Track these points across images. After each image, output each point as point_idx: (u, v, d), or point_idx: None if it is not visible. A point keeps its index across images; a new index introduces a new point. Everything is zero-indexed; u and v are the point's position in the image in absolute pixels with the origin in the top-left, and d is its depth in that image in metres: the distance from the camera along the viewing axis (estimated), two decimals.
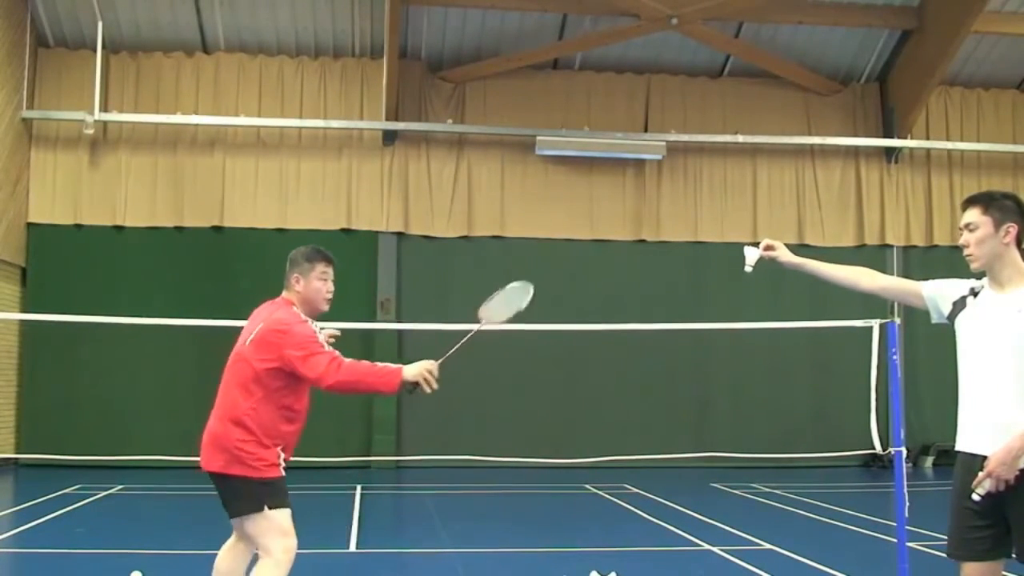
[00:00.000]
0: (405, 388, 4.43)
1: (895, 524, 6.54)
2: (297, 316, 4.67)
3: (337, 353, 4.51)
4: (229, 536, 4.90)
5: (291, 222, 15.82)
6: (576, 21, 16.18)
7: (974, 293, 3.93)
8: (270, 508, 4.52)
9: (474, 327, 4.77)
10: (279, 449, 4.60)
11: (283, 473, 4.61)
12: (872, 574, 7.57)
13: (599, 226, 16.53)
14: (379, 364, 4.51)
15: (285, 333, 4.54)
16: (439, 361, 4.51)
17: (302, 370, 4.47)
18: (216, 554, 4.89)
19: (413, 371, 4.41)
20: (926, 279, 4.23)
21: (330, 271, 4.86)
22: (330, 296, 4.86)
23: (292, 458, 4.76)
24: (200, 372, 15.43)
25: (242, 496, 4.56)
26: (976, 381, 3.89)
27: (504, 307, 4.87)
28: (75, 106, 15.49)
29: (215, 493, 4.75)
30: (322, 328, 5.10)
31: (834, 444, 13.54)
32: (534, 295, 4.95)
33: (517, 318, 4.88)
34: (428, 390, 4.42)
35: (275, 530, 4.53)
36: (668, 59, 16.86)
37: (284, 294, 4.85)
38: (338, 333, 5.26)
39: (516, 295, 4.91)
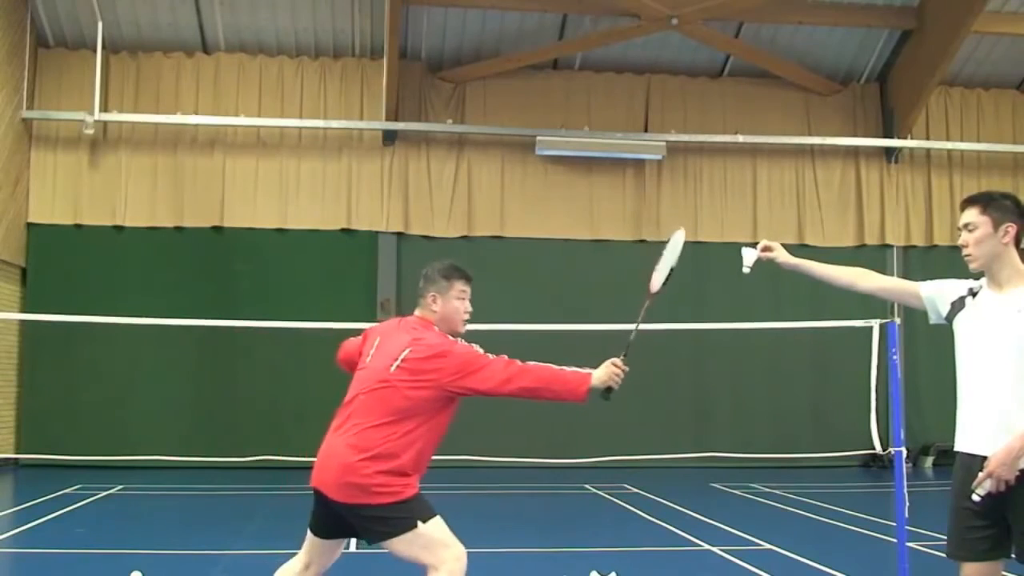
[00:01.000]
0: (596, 395, 4.19)
1: (895, 524, 6.54)
2: (443, 335, 4.31)
3: (505, 357, 4.18)
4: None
5: (291, 222, 15.83)
6: (576, 21, 16.18)
7: (972, 293, 3.93)
8: (423, 522, 4.11)
9: (646, 302, 4.62)
10: (416, 479, 4.24)
11: (419, 489, 4.24)
12: (872, 574, 7.57)
13: (599, 226, 16.53)
14: (566, 369, 4.21)
15: (445, 357, 4.17)
16: (623, 356, 4.30)
17: (475, 385, 4.14)
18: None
19: (602, 374, 4.17)
20: (926, 279, 4.23)
21: (468, 290, 4.49)
22: (468, 317, 4.49)
23: (293, 458, 4.69)
24: (199, 372, 15.56)
25: (387, 522, 4.12)
26: (975, 381, 3.89)
27: (663, 267, 4.68)
28: (75, 106, 15.49)
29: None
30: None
31: (834, 444, 13.54)
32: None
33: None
34: (618, 385, 4.21)
35: (436, 544, 4.13)
36: (668, 59, 16.86)
37: (419, 312, 4.46)
38: None
39: (671, 252, 4.71)
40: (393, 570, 7.99)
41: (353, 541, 9.06)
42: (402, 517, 4.09)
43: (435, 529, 4.14)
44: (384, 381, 4.18)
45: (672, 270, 4.70)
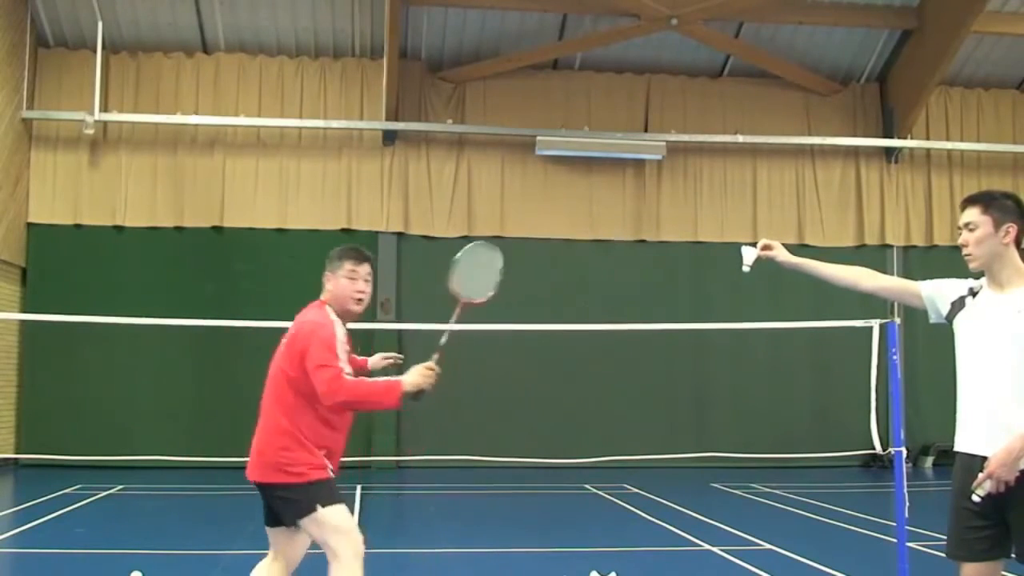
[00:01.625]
0: (409, 398, 4.36)
1: (895, 524, 6.54)
2: (326, 317, 4.50)
3: (342, 370, 4.31)
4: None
5: (291, 222, 15.83)
6: (576, 21, 16.18)
7: (973, 293, 3.93)
8: (323, 507, 4.36)
9: (456, 310, 4.68)
10: (323, 454, 4.44)
11: (331, 475, 4.46)
12: (872, 574, 7.58)
13: (599, 226, 16.53)
14: (379, 380, 4.38)
15: (306, 337, 4.41)
16: (434, 358, 4.43)
17: (314, 380, 4.33)
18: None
19: (411, 379, 4.34)
20: (926, 279, 4.22)
21: (360, 269, 4.62)
22: (361, 296, 4.62)
23: None
24: (200, 372, 15.57)
25: (291, 502, 4.40)
26: (975, 381, 3.89)
27: (477, 278, 4.75)
28: (75, 106, 15.49)
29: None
30: (386, 356, 5.09)
31: (834, 444, 13.56)
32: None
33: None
34: (430, 386, 4.36)
35: (332, 530, 4.38)
36: (668, 59, 16.86)
37: (322, 295, 4.69)
38: (400, 357, 5.13)
39: (482, 261, 4.81)
40: (393, 570, 8.00)
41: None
42: (302, 499, 4.34)
43: (334, 515, 4.37)
44: (275, 361, 4.54)
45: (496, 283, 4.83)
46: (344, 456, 4.66)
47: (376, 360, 5.10)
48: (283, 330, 5.19)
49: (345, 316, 4.58)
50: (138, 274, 15.50)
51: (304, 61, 16.25)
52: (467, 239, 16.09)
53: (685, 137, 16.64)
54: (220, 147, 15.92)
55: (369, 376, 4.68)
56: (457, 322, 4.63)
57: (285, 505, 4.42)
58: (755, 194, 16.93)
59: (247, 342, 15.01)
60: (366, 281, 4.64)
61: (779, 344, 16.17)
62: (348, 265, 4.61)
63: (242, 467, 4.58)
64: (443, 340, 4.52)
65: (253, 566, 4.67)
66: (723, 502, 12.05)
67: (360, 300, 4.62)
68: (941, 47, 15.74)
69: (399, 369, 4.65)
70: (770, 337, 15.94)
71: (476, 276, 4.76)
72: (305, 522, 4.39)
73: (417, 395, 4.36)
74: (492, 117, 16.38)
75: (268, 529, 4.59)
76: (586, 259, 16.45)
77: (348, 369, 4.33)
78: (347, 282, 4.59)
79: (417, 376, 4.34)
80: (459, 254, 4.80)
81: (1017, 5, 16.08)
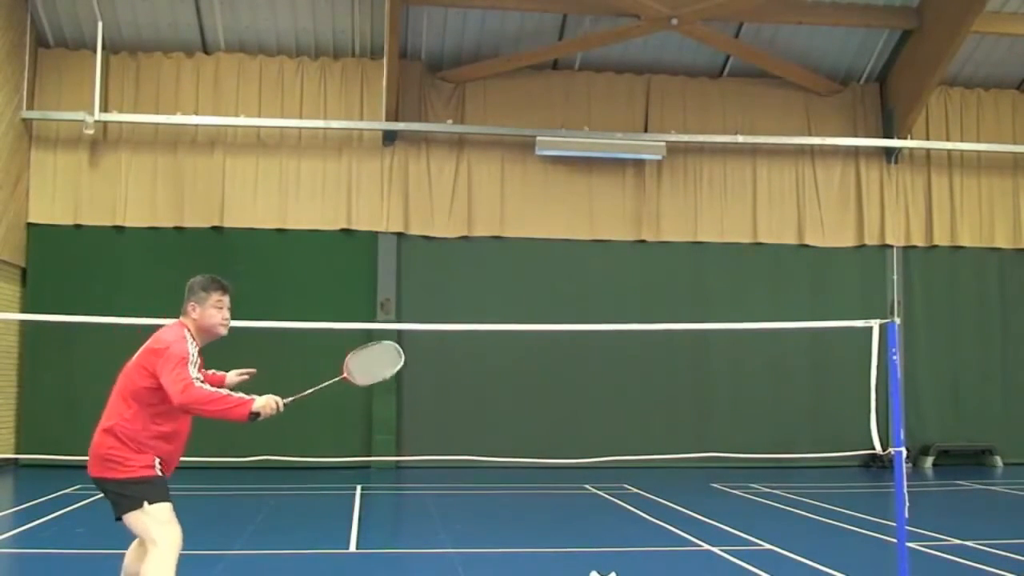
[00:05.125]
0: (251, 418, 4.69)
1: (895, 524, 6.54)
2: (182, 336, 4.87)
3: (196, 379, 4.68)
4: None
5: (291, 222, 15.83)
6: (576, 21, 16.18)
7: None
8: (150, 503, 4.70)
9: (336, 378, 5.18)
10: (155, 458, 4.78)
11: (160, 474, 4.80)
12: (872, 574, 7.57)
13: (599, 226, 16.53)
14: (233, 394, 4.70)
15: (161, 353, 4.76)
16: (288, 400, 4.79)
17: (164, 383, 4.66)
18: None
19: (261, 402, 4.67)
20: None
21: (226, 299, 5.07)
22: (227, 323, 5.08)
23: (293, 458, 4.83)
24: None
25: (123, 496, 4.73)
26: None
27: (370, 371, 5.36)
28: (75, 106, 15.49)
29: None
30: (241, 372, 5.47)
31: (834, 444, 13.55)
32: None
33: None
34: (267, 417, 4.72)
35: (156, 522, 4.71)
36: (668, 59, 16.86)
37: (181, 318, 5.07)
38: (253, 372, 5.50)
39: (382, 363, 5.40)
40: (393, 570, 8.00)
41: (353, 541, 9.08)
42: (132, 495, 4.70)
43: (159, 511, 4.74)
44: (126, 368, 4.94)
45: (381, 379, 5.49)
46: (344, 456, 4.75)
47: (232, 376, 5.51)
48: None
49: (205, 340, 5.04)
50: (138, 274, 15.50)
51: (304, 61, 16.25)
52: (467, 239, 16.13)
53: (685, 137, 16.64)
54: (220, 147, 15.92)
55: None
56: (320, 387, 5.07)
57: (114, 498, 4.76)
58: (755, 194, 16.93)
59: (247, 342, 15.07)
60: (229, 309, 5.13)
61: (779, 344, 16.17)
62: (216, 295, 5.05)
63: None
64: (306, 393, 4.95)
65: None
66: (723, 502, 12.05)
67: (226, 326, 5.10)
68: (941, 47, 15.74)
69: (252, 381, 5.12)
70: (770, 337, 15.94)
71: (373, 367, 5.39)
72: (131, 516, 4.72)
73: (255, 417, 4.69)
74: (492, 117, 16.38)
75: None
76: (586, 259, 16.44)
77: (200, 378, 4.73)
78: (215, 311, 5.04)
79: (265, 402, 4.69)
80: (377, 349, 5.43)
81: (1017, 5, 16.08)
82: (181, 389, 4.59)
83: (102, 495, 4.89)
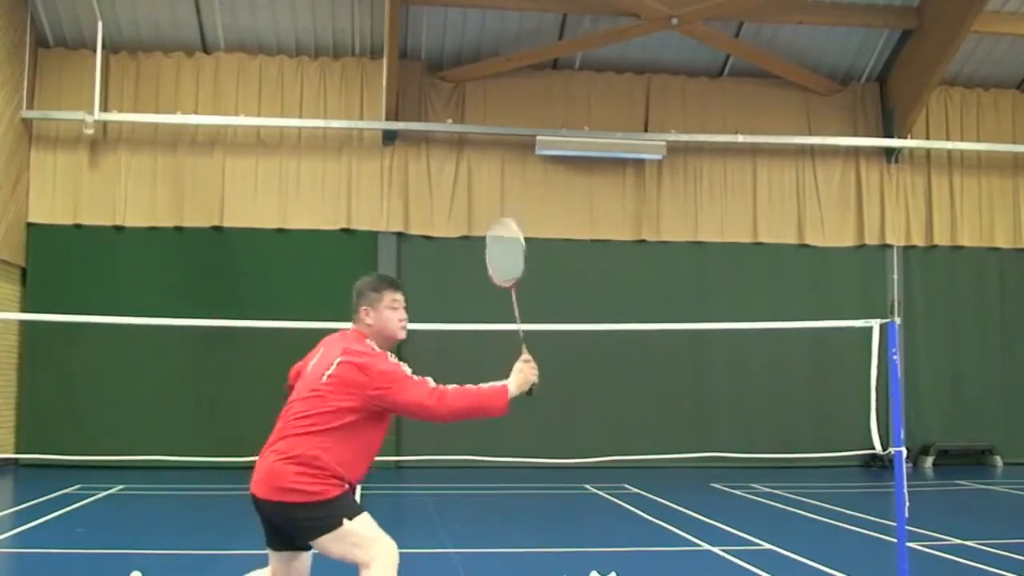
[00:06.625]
0: (524, 395, 4.38)
1: (895, 524, 6.54)
2: (373, 348, 4.39)
3: (429, 379, 4.28)
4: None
5: (291, 222, 15.83)
6: (576, 21, 16.18)
7: None
8: (349, 520, 4.17)
9: (513, 295, 4.82)
10: (345, 483, 4.28)
11: (348, 488, 4.31)
12: (872, 574, 7.57)
13: (599, 226, 16.53)
14: (483, 386, 4.35)
15: (370, 369, 4.24)
16: (524, 355, 4.52)
17: (397, 398, 4.21)
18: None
19: (518, 379, 4.39)
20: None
21: (400, 298, 4.58)
22: (405, 324, 4.60)
23: None
24: (200, 372, 15.55)
25: (311, 521, 4.15)
26: None
27: (508, 262, 4.92)
28: (75, 106, 15.49)
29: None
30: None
31: (834, 444, 13.54)
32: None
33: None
34: (536, 378, 4.45)
35: (365, 540, 4.18)
36: (668, 59, 16.86)
37: (354, 326, 4.55)
38: None
39: (507, 248, 4.96)
40: None
41: None
42: (326, 516, 4.14)
43: (362, 526, 4.21)
44: (315, 390, 4.29)
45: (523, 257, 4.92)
46: None
47: None
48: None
49: (388, 346, 4.51)
50: (138, 274, 15.50)
51: (304, 61, 16.24)
52: (467, 239, 16.13)
53: (685, 137, 16.63)
54: (220, 147, 15.91)
55: None
56: (517, 308, 4.69)
57: (303, 524, 4.17)
58: (755, 194, 16.93)
59: (247, 342, 15.08)
60: (406, 308, 4.63)
61: (779, 344, 16.16)
62: (389, 295, 4.55)
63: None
64: (521, 334, 4.61)
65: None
66: (723, 502, 12.04)
67: (404, 328, 4.60)
68: (941, 47, 15.74)
69: None
70: (770, 337, 15.93)
71: (506, 260, 4.94)
72: (327, 539, 4.15)
73: (530, 391, 4.40)
74: (492, 117, 16.38)
75: (272, 552, 4.38)
76: (586, 259, 16.44)
77: (430, 379, 4.28)
78: (390, 313, 4.54)
79: (521, 375, 4.39)
80: (491, 243, 5.02)
81: (1017, 5, 16.08)
82: (432, 397, 4.18)
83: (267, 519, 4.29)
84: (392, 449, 15.18)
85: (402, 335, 4.58)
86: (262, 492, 4.19)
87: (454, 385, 4.29)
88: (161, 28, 15.81)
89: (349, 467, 4.27)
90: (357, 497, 4.37)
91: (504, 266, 4.89)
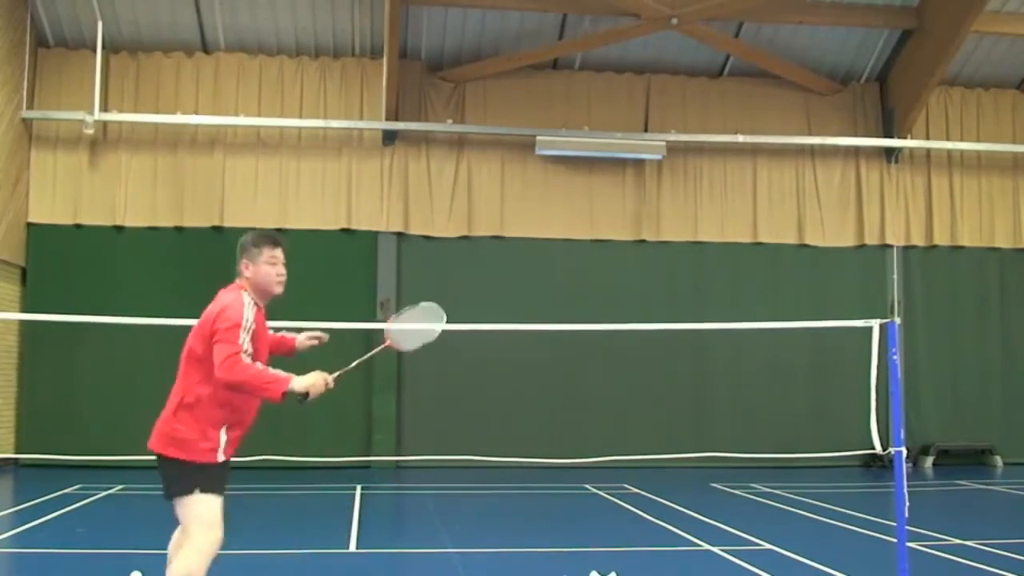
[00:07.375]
0: (294, 399, 4.48)
1: (895, 524, 6.53)
2: (240, 300, 4.64)
3: (241, 349, 4.47)
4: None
5: (291, 222, 15.82)
6: (576, 21, 16.18)
7: None
8: (201, 492, 4.52)
9: (380, 347, 5.10)
10: (221, 433, 4.58)
11: (221, 460, 4.59)
12: (872, 574, 7.57)
13: (599, 226, 16.53)
14: (271, 371, 4.52)
15: (219, 314, 4.55)
16: (337, 375, 4.64)
17: (215, 348, 4.48)
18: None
19: (304, 383, 4.50)
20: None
21: (279, 254, 4.85)
22: (282, 279, 4.85)
23: (293, 458, 4.79)
24: None
25: (172, 478, 4.56)
26: None
27: (412, 335, 5.21)
28: (75, 106, 15.48)
29: None
30: (302, 330, 5.27)
31: (834, 444, 13.54)
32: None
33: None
34: (317, 395, 4.54)
35: (201, 518, 4.54)
36: (668, 59, 16.86)
37: (236, 280, 4.86)
38: (324, 336, 5.28)
39: (424, 325, 5.25)
40: (393, 570, 8.00)
41: (353, 541, 9.07)
42: (185, 478, 4.50)
43: (207, 506, 4.53)
44: (190, 339, 4.72)
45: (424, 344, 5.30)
46: (344, 456, 4.71)
47: (302, 339, 5.30)
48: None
49: (265, 299, 4.81)
50: (138, 274, 15.50)
51: (304, 61, 16.24)
52: (467, 239, 16.13)
53: (685, 137, 16.64)
54: (220, 147, 15.91)
55: (294, 354, 5.08)
56: (367, 357, 4.93)
57: (167, 480, 4.57)
58: (755, 194, 16.93)
59: None
60: (284, 264, 4.87)
61: (779, 344, 16.16)
62: (268, 251, 4.81)
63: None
64: (353, 365, 4.80)
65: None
66: (723, 502, 12.04)
67: (281, 282, 4.84)
68: (941, 47, 15.74)
69: (324, 346, 4.99)
70: (770, 337, 15.94)
71: (414, 331, 5.25)
72: (179, 501, 4.53)
73: (304, 398, 4.51)
74: (492, 117, 16.38)
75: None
76: (586, 259, 16.44)
77: (248, 350, 4.48)
78: (268, 267, 4.79)
79: (311, 380, 4.53)
80: (419, 310, 5.27)
81: (1017, 5, 16.08)
82: (222, 365, 4.41)
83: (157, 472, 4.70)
84: (392, 449, 15.19)
85: (278, 289, 4.82)
86: (151, 440, 4.62)
87: (249, 363, 4.47)
88: (161, 28, 15.81)
89: (225, 413, 4.56)
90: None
91: (407, 336, 5.27)
